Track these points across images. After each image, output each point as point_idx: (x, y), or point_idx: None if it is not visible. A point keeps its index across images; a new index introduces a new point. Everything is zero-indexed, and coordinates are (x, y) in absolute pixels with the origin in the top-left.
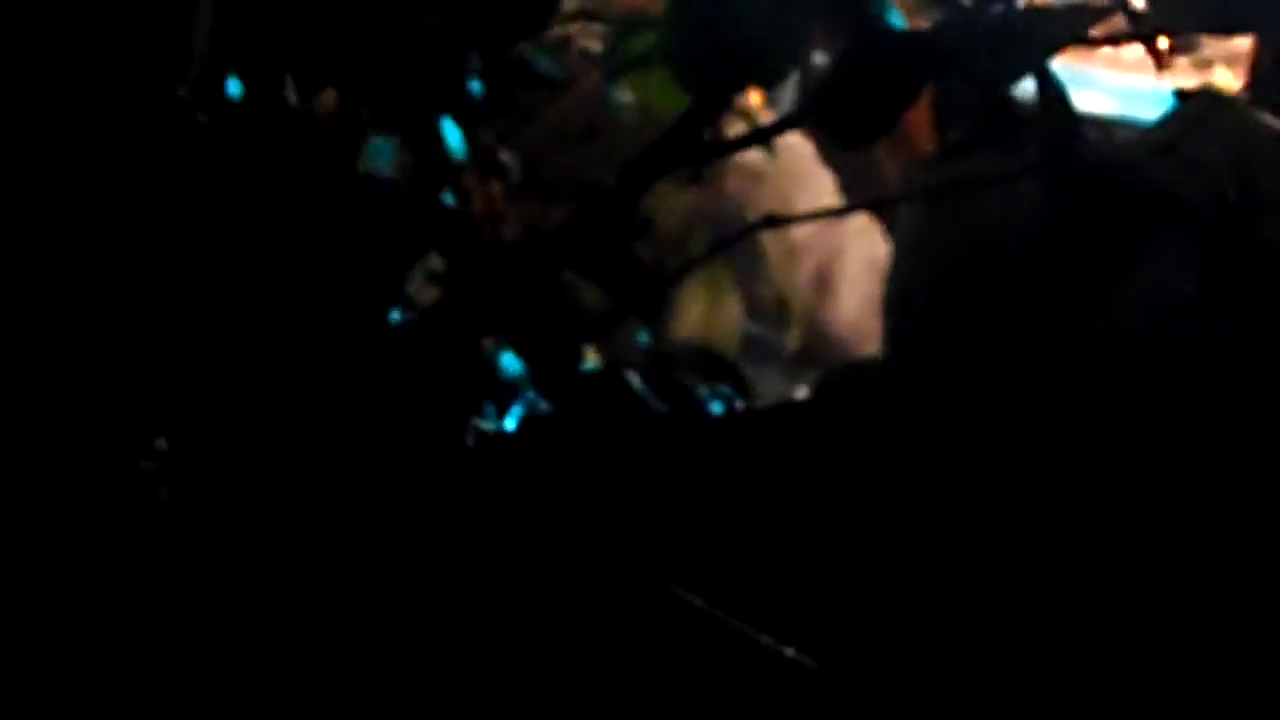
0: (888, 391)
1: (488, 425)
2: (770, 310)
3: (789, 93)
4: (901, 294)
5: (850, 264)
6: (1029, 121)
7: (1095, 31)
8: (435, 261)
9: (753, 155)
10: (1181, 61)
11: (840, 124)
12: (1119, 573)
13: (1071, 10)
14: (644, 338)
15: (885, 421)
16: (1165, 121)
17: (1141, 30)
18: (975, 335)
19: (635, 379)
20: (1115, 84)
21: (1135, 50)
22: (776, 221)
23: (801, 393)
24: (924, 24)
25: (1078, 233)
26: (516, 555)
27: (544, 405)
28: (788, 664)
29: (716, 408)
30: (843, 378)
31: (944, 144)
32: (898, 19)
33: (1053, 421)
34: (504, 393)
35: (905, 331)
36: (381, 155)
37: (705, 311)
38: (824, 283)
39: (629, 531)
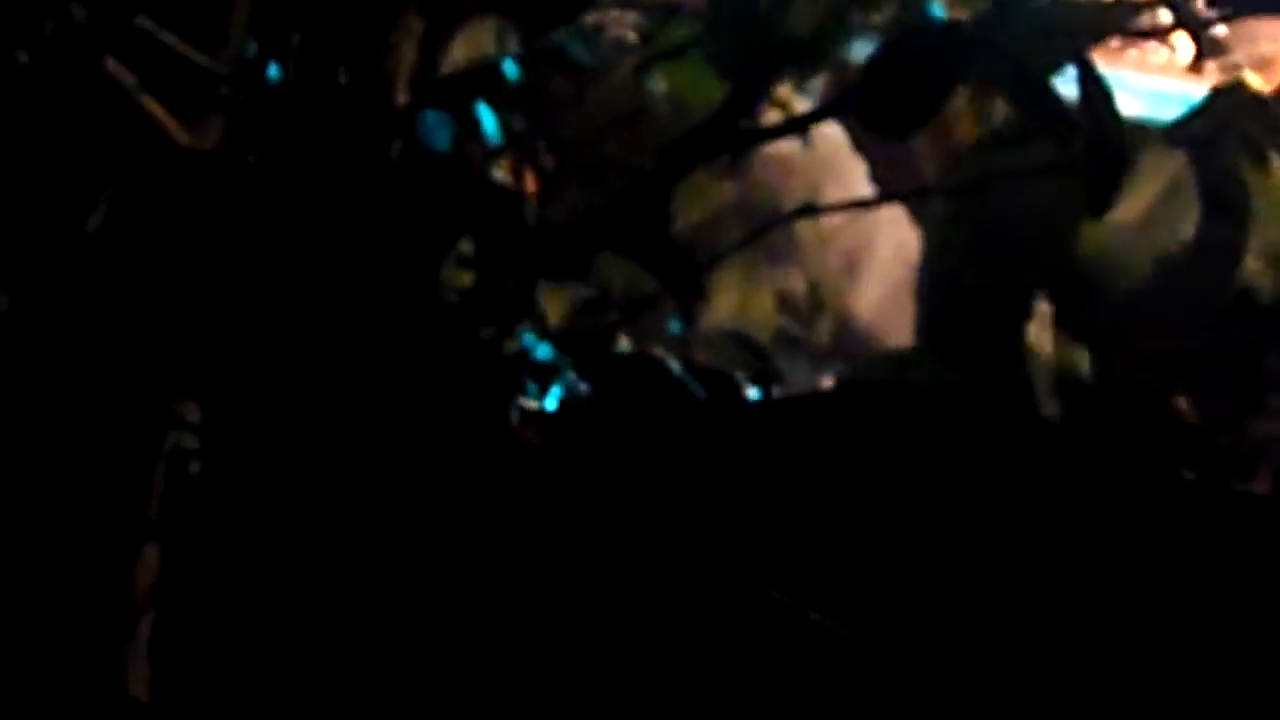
0: (919, 383)
1: (530, 403)
2: (799, 302)
3: (817, 81)
4: (933, 282)
5: (880, 253)
6: (1068, 114)
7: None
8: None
9: (784, 143)
10: (1209, 65)
11: (880, 113)
12: (1141, 561)
13: (1111, 4)
14: (675, 326)
15: (917, 411)
16: (1193, 117)
17: (1183, 22)
18: (1005, 324)
19: (674, 364)
20: (1142, 86)
21: (1163, 53)
22: (811, 211)
23: (828, 384)
24: (964, 15)
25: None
26: (558, 529)
27: (583, 387)
28: (818, 629)
29: (753, 394)
30: (874, 370)
31: (984, 134)
32: (939, 9)
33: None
34: (544, 374)
35: (937, 319)
36: (437, 130)
37: (738, 302)
38: (853, 272)
39: (668, 509)
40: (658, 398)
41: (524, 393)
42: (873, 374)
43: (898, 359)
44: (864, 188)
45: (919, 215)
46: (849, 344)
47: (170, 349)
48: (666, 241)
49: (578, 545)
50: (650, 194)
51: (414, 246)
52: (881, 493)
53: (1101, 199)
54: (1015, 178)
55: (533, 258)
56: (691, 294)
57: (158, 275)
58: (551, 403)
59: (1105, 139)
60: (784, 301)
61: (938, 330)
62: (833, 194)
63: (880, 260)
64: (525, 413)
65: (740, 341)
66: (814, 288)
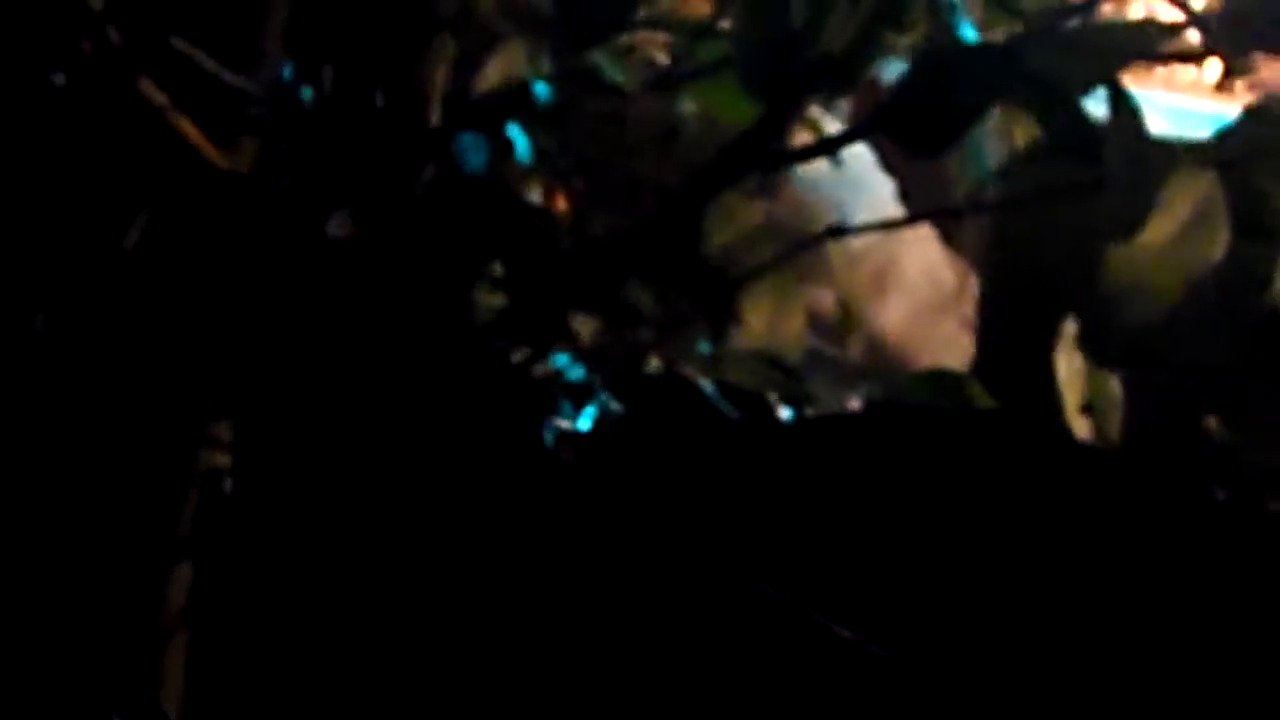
0: (952, 404)
1: (565, 424)
2: (829, 321)
3: (843, 102)
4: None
5: (908, 273)
6: (1098, 136)
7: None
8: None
9: (814, 163)
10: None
11: (911, 133)
12: (1174, 583)
13: (1142, 26)
14: (705, 346)
15: (949, 432)
16: (1224, 136)
17: (1212, 47)
18: (1036, 346)
19: (706, 384)
20: (1170, 105)
21: (1190, 72)
22: (841, 232)
23: (858, 404)
24: (996, 36)
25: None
26: (592, 547)
27: (615, 406)
28: (849, 648)
29: (786, 414)
30: (907, 390)
31: (1014, 154)
32: (970, 31)
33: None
34: (578, 394)
35: (984, 342)
36: (472, 151)
37: (768, 323)
38: (882, 292)
39: (701, 528)
40: (690, 418)
41: (558, 413)
42: (905, 394)
43: (929, 379)
44: (893, 208)
45: (948, 236)
46: (878, 364)
47: (204, 368)
48: (698, 262)
49: (612, 563)
50: (681, 214)
51: (447, 267)
52: (914, 513)
53: (1130, 221)
54: (1043, 199)
55: (565, 279)
56: (724, 314)
57: (192, 295)
58: (585, 423)
59: (1134, 161)
60: (814, 321)
61: (983, 353)
62: (861, 214)
63: (908, 280)
64: (560, 433)
65: (771, 361)
66: (845, 307)
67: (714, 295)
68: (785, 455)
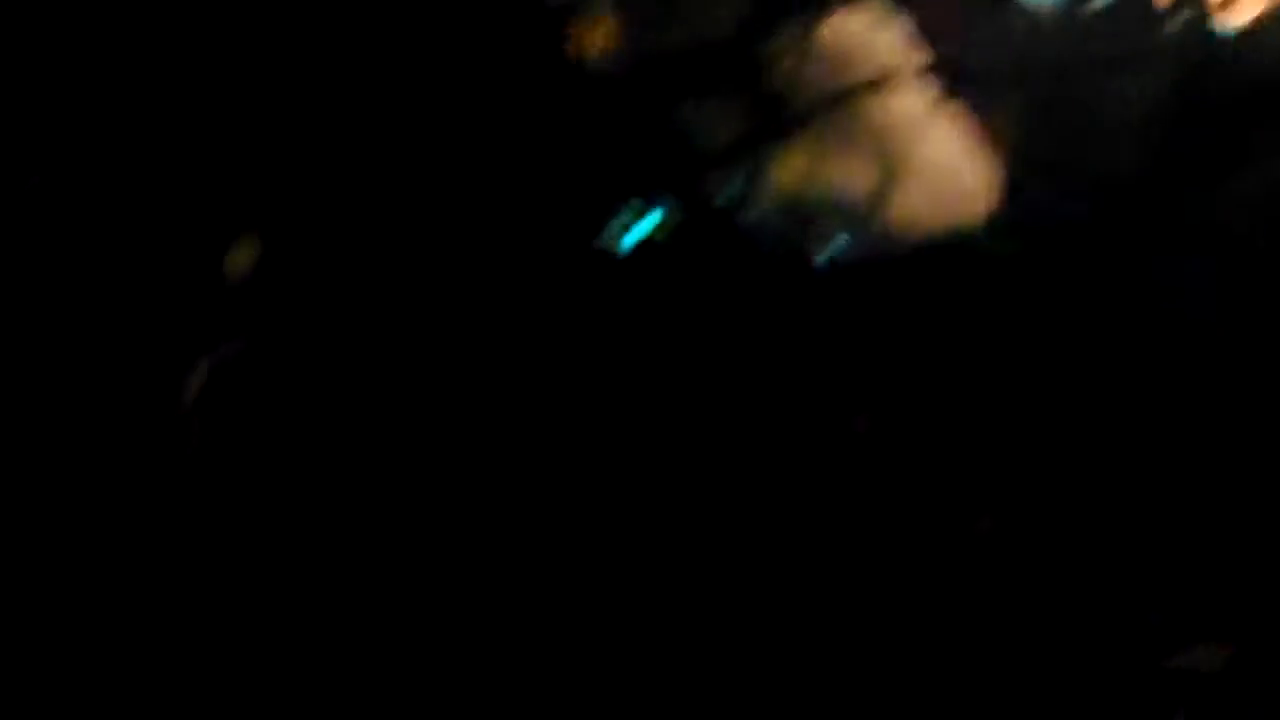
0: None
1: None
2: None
3: None
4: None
5: (928, 161)
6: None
7: None
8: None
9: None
10: None
11: None
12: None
13: None
14: (736, 188)
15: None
16: None
17: None
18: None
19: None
20: None
21: None
22: (881, 87)
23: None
24: None
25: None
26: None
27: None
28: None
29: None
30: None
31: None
32: None
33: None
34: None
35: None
36: None
37: (801, 178)
38: (901, 173)
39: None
40: (731, 249)
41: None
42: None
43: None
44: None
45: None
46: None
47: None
48: (758, 83)
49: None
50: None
51: None
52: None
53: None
54: (1102, 65)
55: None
56: (778, 139)
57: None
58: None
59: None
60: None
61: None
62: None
63: (930, 170)
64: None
65: (802, 212)
66: (885, 170)
67: (769, 119)
68: (818, 297)
